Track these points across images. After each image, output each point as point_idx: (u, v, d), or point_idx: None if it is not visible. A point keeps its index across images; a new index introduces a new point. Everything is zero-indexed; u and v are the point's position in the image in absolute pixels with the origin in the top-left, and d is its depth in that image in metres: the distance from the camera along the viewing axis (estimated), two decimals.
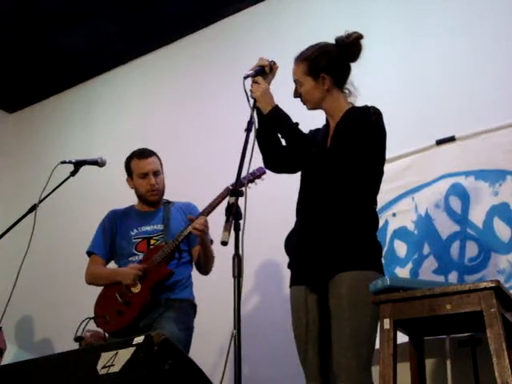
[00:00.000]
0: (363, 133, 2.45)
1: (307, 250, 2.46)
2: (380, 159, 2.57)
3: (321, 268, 2.42)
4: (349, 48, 2.62)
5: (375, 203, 2.57)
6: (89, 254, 3.33)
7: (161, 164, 3.36)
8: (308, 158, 2.48)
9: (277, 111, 2.51)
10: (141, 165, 3.28)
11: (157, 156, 3.35)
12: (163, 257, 3.08)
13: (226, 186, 3.08)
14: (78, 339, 4.13)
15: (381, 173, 2.58)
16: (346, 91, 2.65)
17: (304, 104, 2.65)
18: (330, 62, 2.58)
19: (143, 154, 3.32)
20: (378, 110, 2.52)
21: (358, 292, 2.30)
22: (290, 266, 2.59)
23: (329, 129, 2.64)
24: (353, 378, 2.26)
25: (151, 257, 3.11)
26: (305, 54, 2.61)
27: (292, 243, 2.57)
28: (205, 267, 3.25)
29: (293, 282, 2.56)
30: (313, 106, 2.63)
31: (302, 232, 2.53)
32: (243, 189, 2.19)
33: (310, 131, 2.71)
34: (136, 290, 3.06)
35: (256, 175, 3.07)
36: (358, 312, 2.30)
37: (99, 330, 4.08)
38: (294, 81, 2.63)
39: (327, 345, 2.40)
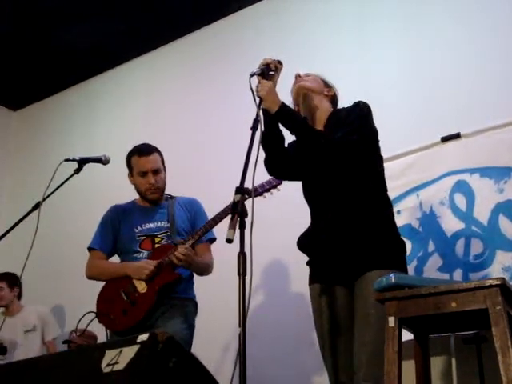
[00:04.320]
0: (360, 121, 2.52)
1: (333, 249, 2.47)
2: (377, 143, 2.65)
3: (349, 267, 2.44)
4: None
5: (386, 188, 2.62)
6: (89, 249, 3.30)
7: (162, 160, 3.32)
8: (320, 149, 2.48)
9: (284, 108, 2.52)
10: (141, 163, 3.25)
11: (158, 152, 3.31)
12: (172, 260, 3.04)
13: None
14: (66, 342, 4.14)
15: (381, 159, 2.66)
16: None
17: (294, 84, 2.76)
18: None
19: (144, 151, 3.28)
20: (367, 103, 2.61)
21: None
22: (310, 263, 2.60)
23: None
24: (370, 374, 2.28)
25: (158, 256, 3.09)
26: None
27: (313, 241, 2.57)
28: (199, 275, 3.26)
29: (315, 280, 2.57)
30: (304, 85, 2.73)
31: (324, 231, 2.52)
32: (249, 187, 2.17)
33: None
34: (142, 289, 3.05)
35: (272, 185, 3.05)
36: (382, 313, 2.30)
37: (88, 329, 4.08)
38: (305, 73, 2.79)
39: (340, 342, 2.43)
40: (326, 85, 2.79)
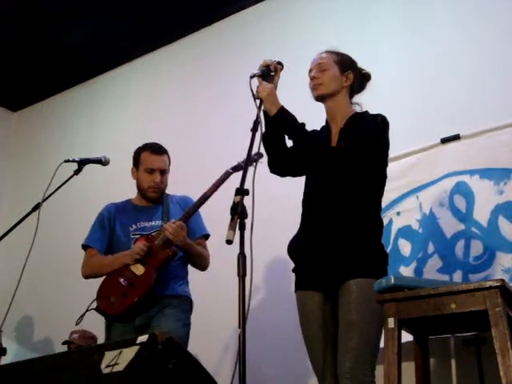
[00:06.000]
0: (372, 137, 2.49)
1: (317, 256, 2.47)
2: (384, 165, 2.62)
3: (332, 275, 2.44)
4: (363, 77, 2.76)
5: (380, 207, 2.61)
6: (85, 247, 3.28)
7: (169, 164, 3.33)
8: (315, 157, 2.49)
9: (283, 112, 2.52)
10: (151, 159, 3.26)
11: (168, 155, 3.33)
12: (164, 240, 3.06)
13: (226, 169, 3.16)
14: (65, 343, 4.13)
15: (385, 177, 2.63)
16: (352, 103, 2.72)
17: (314, 89, 2.65)
18: (355, 70, 2.70)
19: (157, 149, 3.29)
20: (386, 118, 2.56)
21: (367, 299, 2.31)
22: (295, 270, 2.60)
23: (329, 133, 2.64)
24: (355, 380, 2.27)
25: (152, 241, 3.10)
26: (337, 51, 2.72)
27: (299, 248, 2.57)
28: (195, 266, 3.26)
29: (299, 287, 2.57)
30: (324, 92, 2.63)
31: (310, 237, 2.53)
32: (249, 188, 2.18)
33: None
34: (140, 272, 3.04)
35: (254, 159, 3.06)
36: (365, 319, 2.32)
37: (86, 329, 4.06)
38: (319, 63, 2.66)
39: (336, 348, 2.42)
40: (344, 69, 2.66)
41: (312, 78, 2.66)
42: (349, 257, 2.41)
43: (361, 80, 2.73)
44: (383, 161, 2.60)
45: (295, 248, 2.59)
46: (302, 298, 2.55)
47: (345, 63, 2.68)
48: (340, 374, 2.30)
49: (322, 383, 2.46)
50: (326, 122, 2.70)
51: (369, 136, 2.48)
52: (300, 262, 2.58)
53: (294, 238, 2.62)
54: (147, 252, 3.06)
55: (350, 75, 2.66)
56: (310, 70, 2.69)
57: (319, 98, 2.66)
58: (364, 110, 2.69)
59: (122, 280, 3.05)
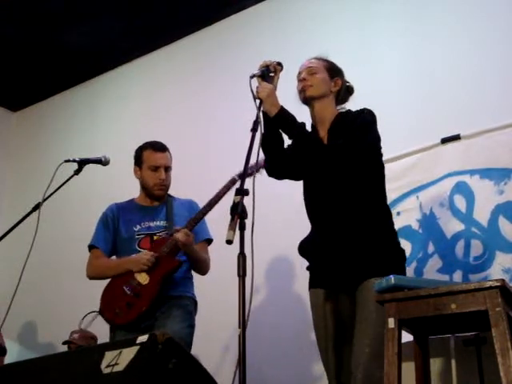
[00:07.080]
0: (364, 129, 2.51)
1: (335, 256, 2.49)
2: (380, 155, 2.64)
3: (350, 274, 2.45)
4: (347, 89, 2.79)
5: (386, 198, 2.63)
6: (90, 247, 3.28)
7: (171, 161, 3.34)
8: (321, 154, 2.48)
9: (283, 112, 2.53)
10: (155, 157, 3.26)
11: (169, 152, 3.33)
12: (171, 248, 3.06)
13: (232, 176, 3.15)
14: (66, 343, 4.12)
15: (383, 168, 2.65)
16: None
17: (302, 91, 2.66)
18: (343, 78, 2.74)
19: (159, 147, 3.30)
20: (372, 111, 2.59)
21: None
22: (310, 269, 2.62)
23: (317, 136, 2.65)
24: (369, 375, 2.29)
25: (157, 248, 3.10)
26: (326, 58, 2.75)
27: (314, 248, 2.59)
28: (197, 271, 3.27)
29: (315, 285, 2.59)
30: (313, 94, 2.65)
31: (325, 238, 2.54)
32: (249, 188, 2.18)
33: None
34: (145, 281, 3.04)
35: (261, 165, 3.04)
36: (382, 316, 2.32)
37: (86, 329, 4.06)
38: (309, 67, 2.68)
39: (345, 346, 2.45)
40: (332, 75, 2.69)
41: (301, 80, 2.67)
42: (367, 256, 2.44)
43: (345, 91, 2.76)
44: (378, 151, 2.62)
45: (309, 248, 2.61)
46: (318, 296, 2.57)
47: (334, 70, 2.72)
48: (354, 368, 2.33)
49: (334, 382, 2.49)
50: (312, 126, 2.71)
51: (360, 128, 2.50)
52: (315, 261, 2.60)
53: (305, 238, 2.64)
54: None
55: (338, 81, 2.70)
56: (299, 74, 2.71)
57: (307, 100, 2.67)
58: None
59: (126, 288, 3.06)
